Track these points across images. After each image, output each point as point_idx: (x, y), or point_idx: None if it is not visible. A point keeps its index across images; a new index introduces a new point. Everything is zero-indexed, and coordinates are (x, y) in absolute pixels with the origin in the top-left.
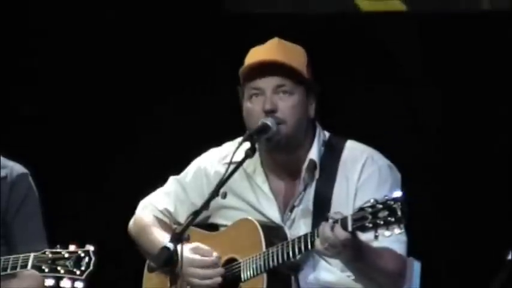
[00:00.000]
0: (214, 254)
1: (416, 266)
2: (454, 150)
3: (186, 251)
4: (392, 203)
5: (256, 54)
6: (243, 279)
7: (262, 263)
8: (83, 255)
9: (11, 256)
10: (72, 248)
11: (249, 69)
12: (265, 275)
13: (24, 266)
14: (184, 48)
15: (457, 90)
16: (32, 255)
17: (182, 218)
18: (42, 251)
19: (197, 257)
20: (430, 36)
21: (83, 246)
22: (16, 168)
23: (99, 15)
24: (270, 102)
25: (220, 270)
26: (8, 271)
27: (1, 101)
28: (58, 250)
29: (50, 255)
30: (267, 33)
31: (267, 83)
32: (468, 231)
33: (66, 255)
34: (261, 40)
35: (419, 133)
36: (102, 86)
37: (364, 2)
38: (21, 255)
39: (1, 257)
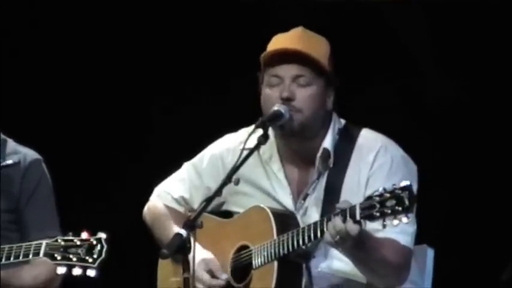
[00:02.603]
0: (224, 275)
1: (429, 253)
2: (465, 140)
3: (200, 260)
4: (400, 192)
5: (278, 42)
6: (254, 267)
7: (273, 251)
8: (95, 243)
9: (23, 244)
10: (84, 235)
11: (270, 55)
12: (276, 263)
13: (37, 254)
14: (201, 36)
15: (467, 79)
16: (44, 242)
17: (197, 204)
18: (54, 239)
19: (206, 276)
20: (439, 23)
21: (95, 234)
22: (29, 154)
23: (116, 7)
24: (288, 90)
25: None
26: (20, 259)
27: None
28: (70, 238)
29: (62, 243)
30: (277, 21)
31: (287, 71)
32: (481, 220)
33: (79, 243)
34: (274, 28)
35: (428, 122)
36: (119, 75)
37: None
38: (33, 243)
39: (14, 245)
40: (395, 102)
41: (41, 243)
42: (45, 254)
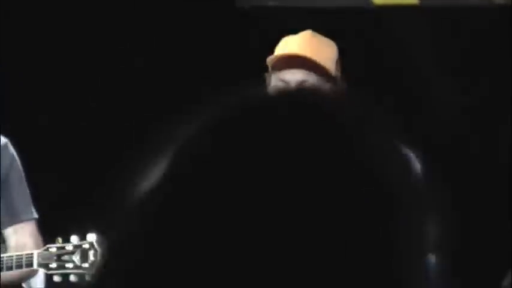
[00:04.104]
0: None
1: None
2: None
3: None
4: None
5: (286, 46)
6: None
7: None
8: (87, 247)
9: (13, 254)
10: (74, 239)
11: (276, 59)
12: None
13: (30, 265)
14: (198, 44)
15: (470, 85)
16: (35, 252)
17: None
18: (45, 248)
19: None
20: (443, 30)
21: (84, 236)
22: None
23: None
24: None
25: None
26: (13, 270)
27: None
28: (61, 245)
29: (54, 251)
30: (280, 27)
31: (293, 76)
32: (480, 229)
33: (71, 248)
34: (275, 35)
35: (431, 128)
36: (120, 82)
37: None
38: (24, 253)
39: (4, 255)
40: (398, 109)
41: (32, 254)
42: (40, 265)
